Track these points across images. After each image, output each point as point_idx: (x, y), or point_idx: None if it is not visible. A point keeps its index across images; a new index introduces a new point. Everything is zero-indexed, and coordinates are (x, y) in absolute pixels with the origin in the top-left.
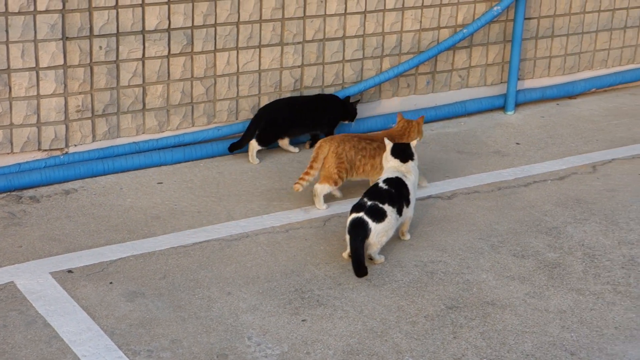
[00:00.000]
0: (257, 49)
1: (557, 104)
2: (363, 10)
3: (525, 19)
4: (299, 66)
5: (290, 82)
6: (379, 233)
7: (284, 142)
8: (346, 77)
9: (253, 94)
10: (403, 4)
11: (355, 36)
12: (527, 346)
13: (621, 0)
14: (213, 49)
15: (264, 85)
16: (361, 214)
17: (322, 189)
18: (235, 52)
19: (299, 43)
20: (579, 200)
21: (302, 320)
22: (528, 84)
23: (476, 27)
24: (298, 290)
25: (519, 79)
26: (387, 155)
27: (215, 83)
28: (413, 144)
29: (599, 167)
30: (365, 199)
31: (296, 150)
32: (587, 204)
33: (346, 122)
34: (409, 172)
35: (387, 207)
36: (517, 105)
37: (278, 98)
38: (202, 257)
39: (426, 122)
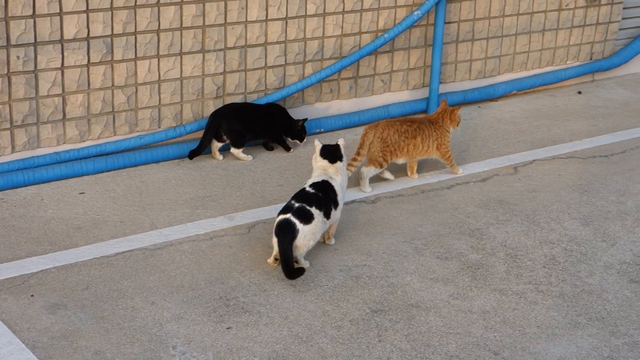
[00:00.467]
0: (179, 57)
1: (479, 107)
2: (284, 16)
3: (446, 23)
4: (221, 73)
5: (212, 89)
6: (306, 235)
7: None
8: (269, 84)
9: (175, 102)
10: (324, 10)
11: (277, 42)
12: (451, 347)
13: (539, 4)
14: (134, 57)
15: (186, 92)
16: (288, 215)
17: (367, 171)
18: (156, 60)
19: (220, 50)
20: (501, 202)
21: (227, 328)
22: (450, 87)
23: (397, 32)
24: (223, 298)
25: (440, 83)
26: (316, 156)
27: (136, 91)
28: (342, 143)
29: (520, 168)
30: (293, 202)
31: (222, 157)
32: (509, 205)
33: (291, 139)
34: (336, 174)
35: (314, 210)
36: None
37: (226, 103)
38: (126, 267)
39: (349, 127)
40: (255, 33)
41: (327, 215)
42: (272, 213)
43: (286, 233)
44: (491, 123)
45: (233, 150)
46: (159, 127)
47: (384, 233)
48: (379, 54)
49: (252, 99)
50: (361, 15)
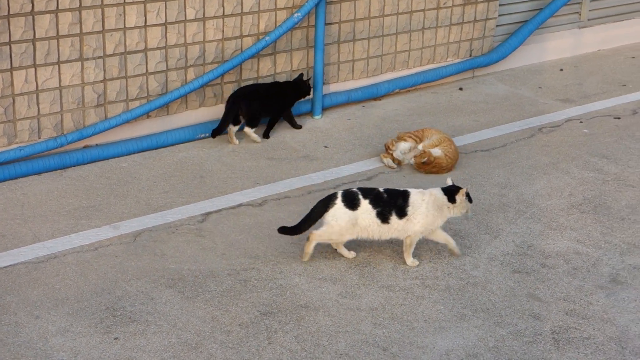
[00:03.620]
0: (56, 66)
1: (363, 106)
2: (163, 21)
3: (327, 24)
4: (101, 81)
5: (93, 97)
6: (339, 214)
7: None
8: (151, 90)
9: (55, 112)
10: (204, 14)
11: (157, 48)
12: (340, 345)
13: (417, 3)
14: (9, 67)
15: (66, 102)
16: (338, 192)
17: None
18: (33, 69)
19: (99, 57)
20: None
21: (115, 339)
22: (333, 87)
23: (278, 34)
24: (109, 309)
25: (324, 84)
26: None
27: (13, 102)
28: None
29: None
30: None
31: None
32: None
33: (303, 99)
34: (430, 201)
35: (364, 201)
36: (324, 109)
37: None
38: (8, 282)
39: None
40: (135, 39)
41: (382, 218)
42: (158, 220)
43: (324, 200)
44: (375, 122)
45: (247, 129)
46: (39, 138)
47: (271, 235)
48: (261, 57)
49: (134, 105)
50: (242, 18)
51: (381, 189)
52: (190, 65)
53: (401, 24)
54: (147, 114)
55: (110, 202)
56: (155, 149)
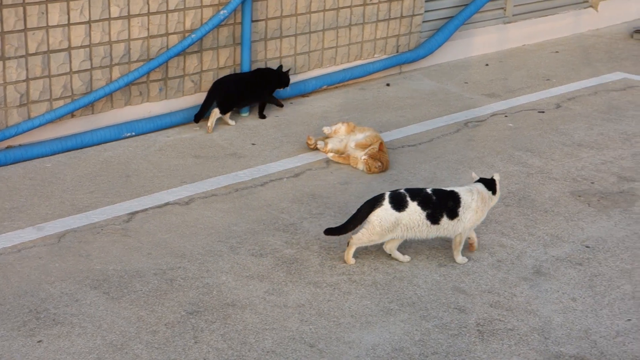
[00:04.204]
0: None
1: (291, 103)
2: (87, 20)
3: (253, 21)
4: (23, 80)
5: (15, 97)
6: (387, 213)
7: (226, 116)
8: (75, 89)
9: None
10: (128, 12)
11: (81, 47)
12: (267, 343)
13: (344, 0)
14: None
15: None
16: (386, 193)
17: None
18: None
19: (21, 57)
20: (314, 196)
21: (38, 342)
22: None
23: (204, 32)
24: (33, 311)
25: None
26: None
27: None
28: (497, 177)
29: (332, 162)
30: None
31: (233, 122)
32: (322, 198)
33: (281, 89)
34: (479, 199)
35: (412, 203)
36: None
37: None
38: None
39: (160, 129)
40: (58, 38)
41: (432, 219)
42: (83, 221)
43: (372, 200)
44: (303, 118)
45: (221, 114)
46: None
47: (198, 234)
48: (187, 55)
49: (58, 105)
50: (167, 16)
51: (429, 190)
52: (116, 64)
53: (328, 20)
54: (71, 114)
55: (34, 203)
56: (80, 148)
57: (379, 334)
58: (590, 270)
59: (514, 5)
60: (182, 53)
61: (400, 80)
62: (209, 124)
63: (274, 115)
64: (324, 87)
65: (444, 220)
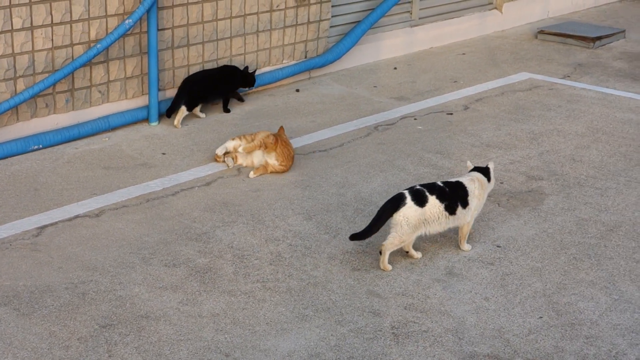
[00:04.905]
0: None
1: (201, 111)
2: None
3: (159, 29)
4: None
5: None
6: (411, 211)
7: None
8: None
9: None
10: (31, 23)
11: None
12: (182, 354)
13: (250, 6)
14: None
15: None
16: (404, 191)
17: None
18: None
19: None
20: (226, 204)
21: None
22: (169, 93)
23: (110, 42)
24: None
25: (159, 90)
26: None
27: None
28: (492, 166)
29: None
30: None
31: (204, 115)
32: (234, 206)
33: (246, 88)
34: (479, 186)
35: (431, 197)
36: (161, 115)
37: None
38: None
39: (68, 141)
40: None
41: (450, 210)
42: (7, 232)
43: (393, 201)
44: (213, 126)
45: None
46: None
47: (109, 246)
48: (94, 65)
49: None
50: (71, 26)
51: (440, 183)
52: (20, 76)
53: (235, 27)
54: None
55: None
56: None
57: (294, 340)
58: (501, 270)
59: (420, 9)
60: (88, 63)
61: (309, 86)
62: (175, 121)
63: (183, 123)
64: None
65: (459, 210)
